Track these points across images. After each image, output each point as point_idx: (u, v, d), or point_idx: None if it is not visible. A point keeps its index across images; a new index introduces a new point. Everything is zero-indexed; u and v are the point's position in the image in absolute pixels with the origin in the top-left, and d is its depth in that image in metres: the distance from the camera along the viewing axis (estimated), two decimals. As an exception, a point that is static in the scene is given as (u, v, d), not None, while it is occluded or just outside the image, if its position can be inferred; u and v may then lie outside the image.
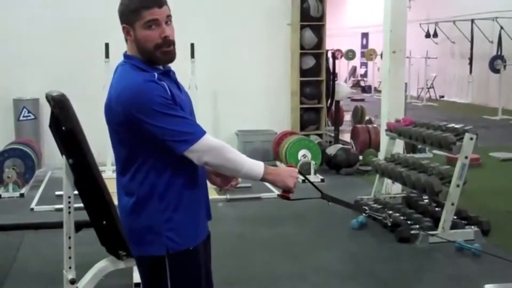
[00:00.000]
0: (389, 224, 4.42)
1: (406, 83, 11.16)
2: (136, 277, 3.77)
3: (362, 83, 22.34)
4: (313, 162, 7.20)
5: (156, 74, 2.03)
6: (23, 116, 7.81)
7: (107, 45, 6.96)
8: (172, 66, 2.17)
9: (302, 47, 8.50)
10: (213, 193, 6.57)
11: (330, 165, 7.69)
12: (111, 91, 2.05)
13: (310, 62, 8.61)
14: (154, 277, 2.11)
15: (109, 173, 6.75)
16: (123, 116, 1.97)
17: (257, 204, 6.20)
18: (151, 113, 1.94)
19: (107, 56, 6.98)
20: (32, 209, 5.88)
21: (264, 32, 8.60)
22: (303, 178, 2.62)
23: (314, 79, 8.61)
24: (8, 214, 5.68)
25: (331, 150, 7.70)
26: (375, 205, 5.55)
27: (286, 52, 8.64)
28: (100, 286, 3.19)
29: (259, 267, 4.41)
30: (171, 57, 2.08)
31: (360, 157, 7.86)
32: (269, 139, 8.28)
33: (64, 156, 2.85)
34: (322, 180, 7.11)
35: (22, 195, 6.50)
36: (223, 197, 6.27)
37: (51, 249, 4.19)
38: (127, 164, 2.07)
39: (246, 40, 8.53)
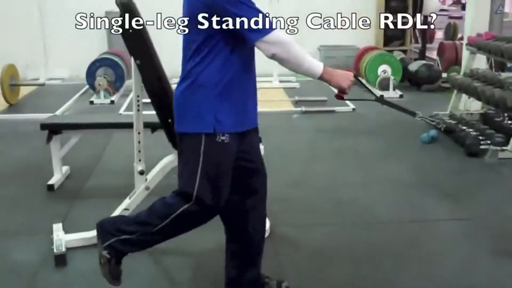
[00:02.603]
0: (442, 129, 4.39)
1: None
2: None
3: (463, 0, 21.19)
4: (392, 78, 7.15)
5: None
6: (115, 28, 8.18)
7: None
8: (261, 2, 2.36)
9: (389, -41, 8.24)
10: (289, 105, 6.74)
11: (412, 82, 7.60)
12: None
13: (397, -26, 8.36)
14: (191, 150, 2.37)
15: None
16: (211, 2, 2.19)
17: (331, 117, 6.31)
18: (235, 2, 2.18)
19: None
20: (120, 114, 6.30)
21: None
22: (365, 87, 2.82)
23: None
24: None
25: (413, 66, 7.58)
26: (449, 121, 5.50)
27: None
28: (170, 183, 3.49)
29: (324, 174, 4.57)
30: None
31: (445, 75, 7.68)
32: (351, 55, 8.26)
33: (132, 57, 3.09)
34: (401, 96, 7.08)
35: (112, 102, 6.97)
36: (299, 109, 6.42)
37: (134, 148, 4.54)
38: (197, 50, 2.29)
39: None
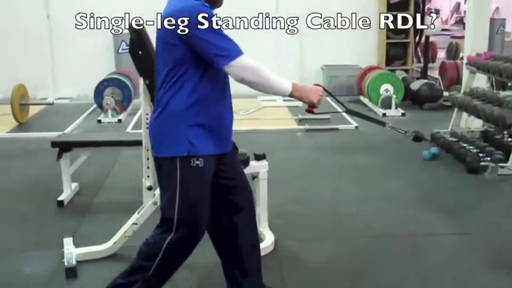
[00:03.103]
0: (412, 138, 4.46)
1: (504, 19, 10.71)
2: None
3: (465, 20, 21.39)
4: (394, 97, 7.27)
5: (207, 4, 2.40)
6: (122, 49, 8.36)
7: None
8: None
9: (390, -20, 8.40)
10: (293, 123, 6.86)
11: (414, 100, 7.72)
12: (169, 11, 2.39)
13: (398, -5, 8.52)
14: (168, 176, 2.44)
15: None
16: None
17: (334, 134, 6.42)
18: (204, 29, 2.27)
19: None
20: (127, 132, 6.43)
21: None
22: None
23: (402, 14, 8.50)
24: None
25: (415, 85, 7.71)
26: (450, 138, 5.60)
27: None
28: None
29: (326, 190, 4.67)
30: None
31: (446, 93, 7.80)
32: (354, 74, 8.38)
33: (141, 77, 3.22)
34: (403, 114, 7.19)
35: (119, 120, 7.10)
36: (302, 127, 6.53)
37: (141, 165, 4.66)
38: (167, 76, 2.39)
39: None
